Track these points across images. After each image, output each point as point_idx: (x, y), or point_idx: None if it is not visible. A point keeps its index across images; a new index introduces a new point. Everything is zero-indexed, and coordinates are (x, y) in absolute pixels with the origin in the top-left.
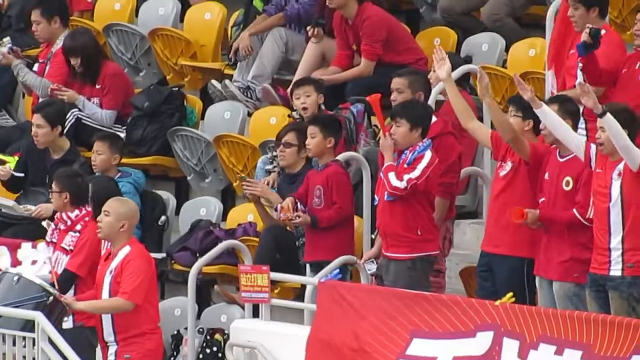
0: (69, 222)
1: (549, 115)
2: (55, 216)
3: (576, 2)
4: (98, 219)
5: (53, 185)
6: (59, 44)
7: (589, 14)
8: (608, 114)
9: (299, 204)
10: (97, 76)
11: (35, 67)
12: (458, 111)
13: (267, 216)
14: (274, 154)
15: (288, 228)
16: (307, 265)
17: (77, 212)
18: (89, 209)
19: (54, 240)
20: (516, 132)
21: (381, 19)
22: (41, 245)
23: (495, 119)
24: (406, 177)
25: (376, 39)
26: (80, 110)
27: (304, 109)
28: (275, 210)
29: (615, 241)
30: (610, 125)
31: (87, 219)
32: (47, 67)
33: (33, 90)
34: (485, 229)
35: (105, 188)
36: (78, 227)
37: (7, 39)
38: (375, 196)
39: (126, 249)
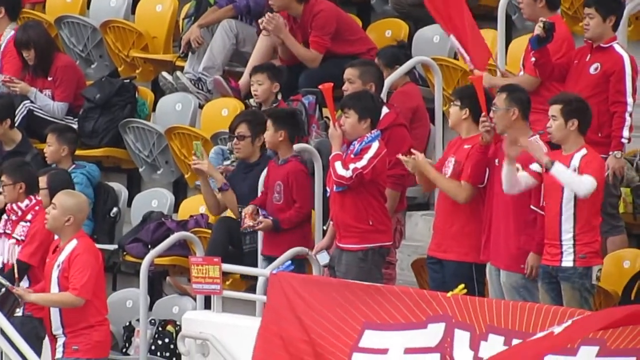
0: (19, 213)
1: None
2: (7, 207)
3: None
4: (46, 210)
5: (4, 178)
6: (7, 36)
7: (535, 3)
8: (556, 165)
9: (259, 210)
10: (49, 68)
11: None
12: (423, 181)
13: (211, 194)
14: (230, 146)
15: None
16: (259, 258)
17: (27, 201)
18: (39, 198)
19: (7, 231)
20: (467, 193)
21: (332, 12)
22: None
23: (447, 191)
24: (352, 166)
25: (326, 32)
26: (32, 102)
27: (255, 95)
28: (220, 189)
29: (567, 234)
30: (560, 176)
31: (37, 208)
32: None
33: None
34: (433, 233)
35: (61, 181)
36: (29, 216)
37: None
38: (327, 187)
39: (73, 243)
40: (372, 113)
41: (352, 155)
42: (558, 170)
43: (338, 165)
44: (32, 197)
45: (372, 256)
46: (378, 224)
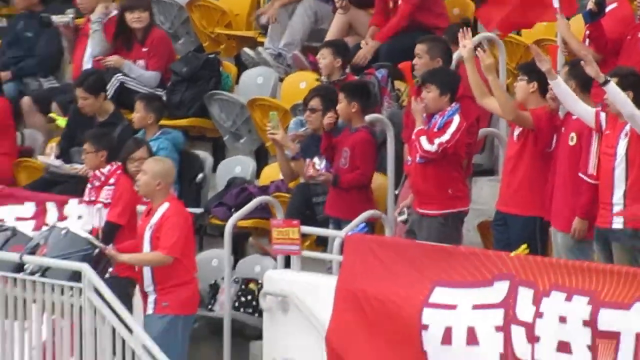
0: (102, 178)
1: (561, 87)
2: (89, 175)
3: None
4: (137, 177)
5: (87, 146)
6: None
7: None
8: (611, 83)
9: (323, 162)
10: (147, 38)
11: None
12: (474, 87)
13: (285, 163)
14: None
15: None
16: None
17: (108, 167)
18: (119, 163)
19: (92, 198)
20: (516, 112)
21: None
22: (72, 201)
23: (498, 99)
24: (437, 140)
25: None
26: (124, 74)
27: (320, 68)
28: (293, 158)
29: (617, 196)
30: (613, 94)
31: (118, 172)
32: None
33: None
34: (500, 189)
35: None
36: (112, 180)
37: (70, 10)
38: (408, 157)
39: (165, 206)
40: (452, 87)
41: (435, 129)
42: (612, 88)
43: (424, 140)
44: (111, 163)
45: (452, 221)
46: (457, 192)
